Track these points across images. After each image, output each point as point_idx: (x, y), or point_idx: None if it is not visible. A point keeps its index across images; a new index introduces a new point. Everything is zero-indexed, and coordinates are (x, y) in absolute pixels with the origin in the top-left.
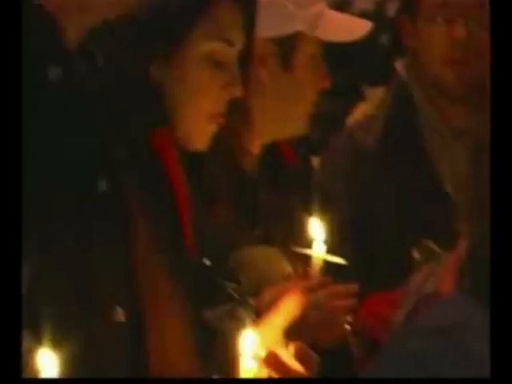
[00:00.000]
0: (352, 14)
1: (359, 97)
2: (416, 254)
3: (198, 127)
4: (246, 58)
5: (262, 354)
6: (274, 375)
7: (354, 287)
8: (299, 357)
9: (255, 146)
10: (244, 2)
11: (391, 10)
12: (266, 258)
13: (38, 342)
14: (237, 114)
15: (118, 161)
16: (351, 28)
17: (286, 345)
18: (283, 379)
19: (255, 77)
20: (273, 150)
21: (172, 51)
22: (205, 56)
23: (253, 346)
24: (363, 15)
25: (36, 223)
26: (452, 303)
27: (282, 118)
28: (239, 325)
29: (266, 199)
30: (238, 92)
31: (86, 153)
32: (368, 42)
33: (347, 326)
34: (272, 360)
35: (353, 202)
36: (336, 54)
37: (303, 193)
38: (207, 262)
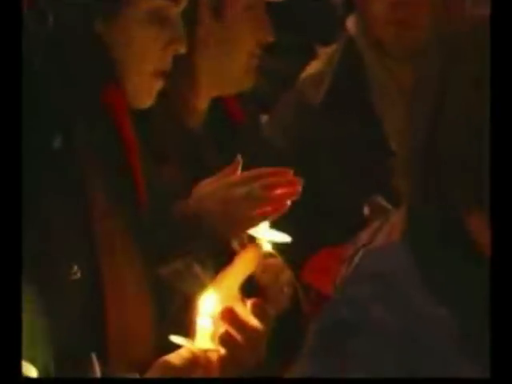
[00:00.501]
0: None
1: (312, 55)
2: (366, 211)
3: (144, 84)
4: (191, 15)
5: (219, 309)
6: (231, 330)
7: (287, 170)
8: (256, 312)
9: (201, 103)
10: None
11: None
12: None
13: None
14: (181, 71)
15: (71, 118)
16: None
17: (243, 300)
18: (283, 379)
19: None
20: (220, 107)
21: (116, 8)
22: (149, 13)
23: (211, 303)
24: None
25: None
26: (388, 252)
27: (225, 72)
28: (195, 281)
29: (211, 157)
30: (182, 48)
31: (41, 110)
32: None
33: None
34: (229, 316)
35: (300, 159)
36: (290, 14)
37: (250, 150)
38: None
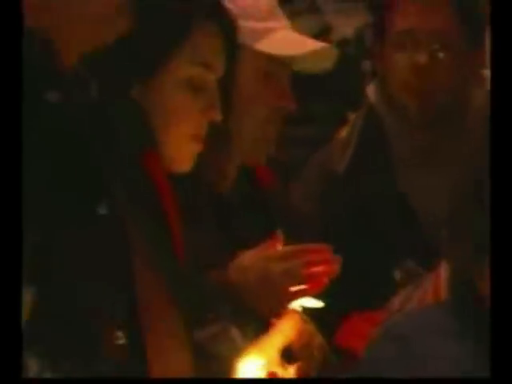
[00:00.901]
0: (331, 41)
1: (344, 122)
2: (398, 275)
3: (181, 149)
4: (227, 83)
5: (263, 375)
6: None
7: (327, 247)
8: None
9: (232, 169)
10: (225, 27)
11: (369, 36)
12: None
13: None
14: (215, 137)
15: (114, 184)
16: (298, 44)
17: (284, 365)
18: (283, 379)
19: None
20: (249, 174)
21: (153, 75)
22: (185, 80)
23: (254, 368)
24: (344, 42)
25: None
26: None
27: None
28: (233, 345)
29: (243, 223)
30: (217, 116)
31: (85, 178)
32: (351, 68)
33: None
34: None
35: (326, 225)
36: (321, 83)
37: (279, 215)
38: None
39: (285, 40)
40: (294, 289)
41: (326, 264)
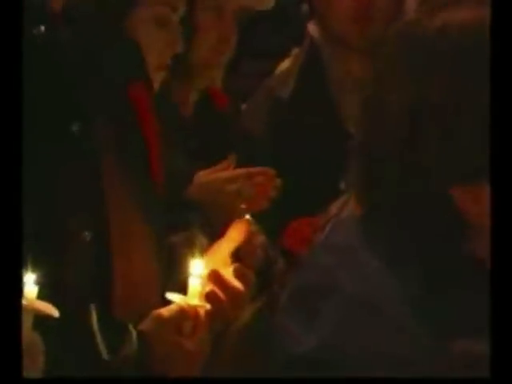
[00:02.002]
0: None
1: (286, 56)
2: (343, 185)
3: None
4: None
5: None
6: (216, 289)
7: (272, 172)
8: (237, 275)
9: (192, 93)
10: None
11: None
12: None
13: None
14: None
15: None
16: None
17: (228, 265)
18: (283, 379)
19: None
20: (208, 98)
21: (129, 13)
22: (153, 18)
23: (201, 267)
24: None
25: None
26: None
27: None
28: (196, 249)
29: (201, 143)
30: (179, 48)
31: (63, 98)
32: (292, 10)
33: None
34: (214, 277)
35: (276, 144)
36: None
37: (232, 137)
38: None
39: None
40: (243, 206)
41: (269, 185)
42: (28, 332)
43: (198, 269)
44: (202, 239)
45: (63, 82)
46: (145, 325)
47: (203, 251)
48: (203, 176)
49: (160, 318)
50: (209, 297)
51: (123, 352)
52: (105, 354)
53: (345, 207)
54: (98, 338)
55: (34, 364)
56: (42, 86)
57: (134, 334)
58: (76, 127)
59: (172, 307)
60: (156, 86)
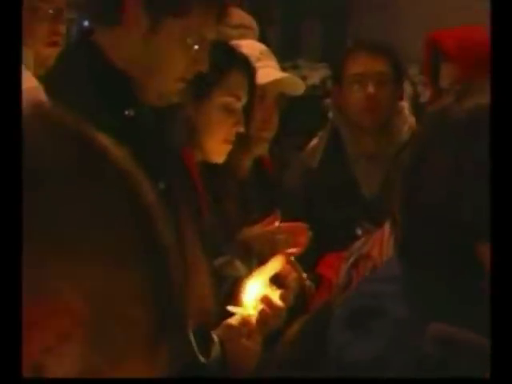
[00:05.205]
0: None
1: (314, 135)
2: (358, 231)
3: (218, 148)
4: (248, 108)
5: (259, 294)
6: (265, 307)
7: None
8: (281, 298)
9: (248, 160)
10: (248, 72)
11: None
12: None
13: None
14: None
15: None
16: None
17: (272, 288)
18: (283, 379)
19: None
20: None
21: (202, 100)
22: (223, 105)
23: (255, 289)
24: (312, 87)
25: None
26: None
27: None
28: (237, 273)
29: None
30: (241, 128)
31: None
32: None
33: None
34: (265, 299)
35: (308, 199)
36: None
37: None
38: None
39: (271, 73)
40: (292, 250)
41: (304, 236)
42: None
43: (253, 290)
44: (238, 264)
45: None
46: (220, 331)
47: (247, 274)
48: (251, 230)
49: (231, 326)
50: (260, 312)
51: (212, 355)
52: (201, 358)
53: (363, 246)
54: (194, 346)
55: None
56: None
57: (217, 340)
58: (162, 186)
59: (236, 317)
60: (223, 155)
